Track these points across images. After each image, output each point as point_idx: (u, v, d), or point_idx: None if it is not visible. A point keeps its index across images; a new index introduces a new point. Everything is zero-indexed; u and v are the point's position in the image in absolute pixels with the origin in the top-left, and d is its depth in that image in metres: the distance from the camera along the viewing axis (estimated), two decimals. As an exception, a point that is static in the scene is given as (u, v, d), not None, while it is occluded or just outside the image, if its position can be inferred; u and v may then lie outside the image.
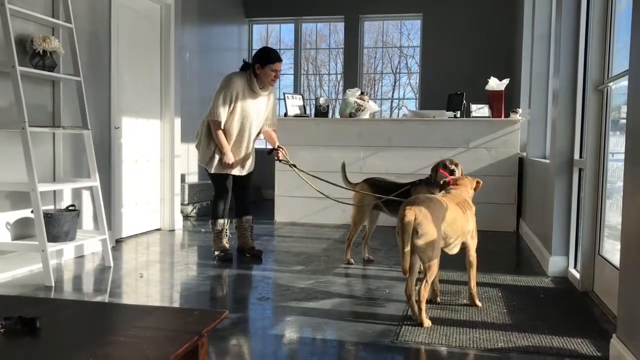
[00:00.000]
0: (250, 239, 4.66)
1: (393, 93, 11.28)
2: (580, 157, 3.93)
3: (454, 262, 4.47)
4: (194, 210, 6.78)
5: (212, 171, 4.43)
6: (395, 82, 11.20)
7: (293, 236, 5.45)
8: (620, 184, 3.56)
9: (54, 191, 4.29)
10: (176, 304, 3.38)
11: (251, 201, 4.77)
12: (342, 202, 4.68)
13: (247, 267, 4.29)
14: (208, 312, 1.54)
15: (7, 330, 1.31)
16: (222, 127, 4.32)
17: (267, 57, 4.28)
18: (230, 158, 4.34)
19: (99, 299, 3.44)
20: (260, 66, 4.28)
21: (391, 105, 10.89)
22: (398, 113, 10.33)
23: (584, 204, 3.70)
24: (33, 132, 3.77)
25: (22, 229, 3.99)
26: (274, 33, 10.13)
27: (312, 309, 3.23)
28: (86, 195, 4.59)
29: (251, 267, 4.29)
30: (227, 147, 4.35)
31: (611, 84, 3.44)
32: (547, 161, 4.62)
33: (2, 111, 3.75)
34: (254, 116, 4.40)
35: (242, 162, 4.50)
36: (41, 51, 3.87)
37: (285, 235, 5.54)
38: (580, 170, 3.91)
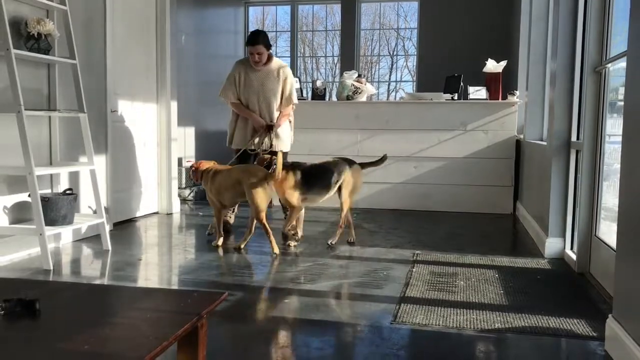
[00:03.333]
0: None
1: (390, 75, 11.25)
2: (578, 139, 3.93)
3: (451, 244, 4.50)
4: (191, 193, 6.78)
5: (232, 146, 4.94)
6: (392, 65, 11.16)
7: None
8: (617, 166, 3.56)
9: (51, 175, 4.27)
10: (175, 287, 3.39)
11: None
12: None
13: (245, 249, 4.30)
14: (207, 293, 1.55)
15: (7, 312, 1.31)
16: (239, 103, 4.90)
17: (247, 41, 4.89)
18: (258, 120, 4.84)
19: (97, 282, 3.45)
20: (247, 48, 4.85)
21: (388, 87, 10.86)
22: (395, 95, 10.30)
23: (581, 185, 3.71)
24: (29, 116, 3.75)
25: (19, 213, 3.99)
26: (270, 15, 10.07)
27: (310, 291, 3.24)
28: (83, 179, 4.58)
29: (249, 250, 4.30)
30: (250, 112, 4.85)
31: (609, 65, 3.43)
32: (544, 143, 4.63)
33: (-2, 94, 3.73)
34: (260, 90, 4.83)
35: (260, 137, 4.83)
36: (36, 34, 3.83)
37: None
38: (577, 152, 3.91)
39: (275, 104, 4.88)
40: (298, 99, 5.15)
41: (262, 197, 4.09)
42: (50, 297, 1.45)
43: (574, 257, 3.81)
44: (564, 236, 4.08)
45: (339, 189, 4.40)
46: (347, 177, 4.37)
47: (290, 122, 5.07)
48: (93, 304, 1.48)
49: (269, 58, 4.86)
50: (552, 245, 4.11)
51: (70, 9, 4.21)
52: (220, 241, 4.36)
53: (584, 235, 3.67)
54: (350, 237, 4.53)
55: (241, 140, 4.89)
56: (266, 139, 4.84)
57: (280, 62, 4.98)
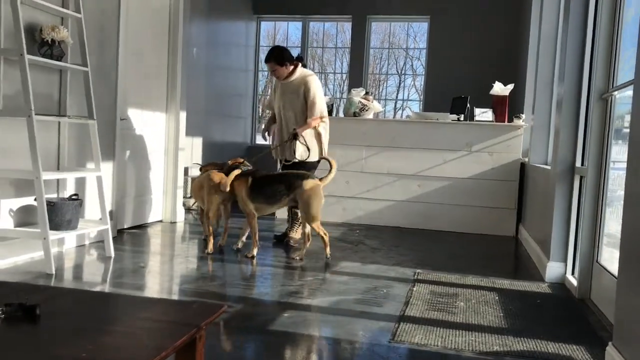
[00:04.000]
0: (289, 228, 5.08)
1: (397, 94, 11.30)
2: (582, 164, 3.94)
3: (452, 264, 4.49)
4: (196, 203, 6.80)
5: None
6: (400, 83, 11.21)
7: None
8: (621, 192, 3.57)
9: (58, 180, 4.31)
10: (175, 296, 3.41)
11: None
12: None
13: (246, 261, 4.32)
14: (207, 305, 1.57)
15: (7, 316, 1.33)
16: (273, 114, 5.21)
17: None
18: (264, 130, 5.31)
19: (98, 288, 3.47)
20: None
21: (395, 106, 10.90)
22: (402, 114, 10.34)
23: (584, 211, 3.72)
24: (39, 120, 3.79)
25: (24, 216, 4.02)
26: (281, 30, 10.16)
27: (309, 306, 3.25)
28: (89, 185, 4.61)
29: (250, 262, 4.31)
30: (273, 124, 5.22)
31: (616, 93, 3.45)
32: (549, 167, 4.64)
33: (9, 98, 3.77)
34: (281, 102, 4.98)
35: (280, 148, 5.02)
36: (50, 40, 3.89)
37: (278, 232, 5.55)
38: (581, 177, 3.92)
39: (298, 116, 4.92)
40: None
41: (209, 200, 4.52)
42: (51, 302, 1.47)
43: (575, 282, 3.81)
44: (565, 261, 4.07)
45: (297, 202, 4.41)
46: (299, 192, 4.34)
47: (319, 134, 4.95)
48: (93, 311, 1.49)
49: (293, 71, 4.91)
50: (553, 269, 4.10)
51: (85, 17, 4.27)
52: (210, 248, 4.55)
53: (586, 261, 3.67)
54: (299, 255, 4.44)
55: (278, 149, 5.10)
56: (286, 149, 4.95)
57: (305, 74, 4.94)
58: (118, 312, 1.51)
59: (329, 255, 4.48)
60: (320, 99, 4.91)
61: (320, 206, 4.38)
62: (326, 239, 4.46)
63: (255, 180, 4.42)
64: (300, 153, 4.89)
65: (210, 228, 4.58)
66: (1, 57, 3.64)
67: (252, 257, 4.41)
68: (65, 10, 4.10)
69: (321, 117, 4.94)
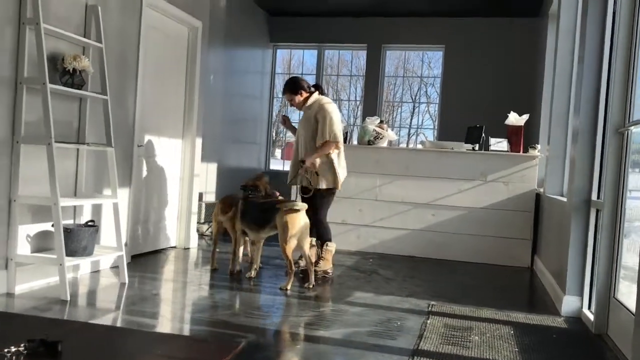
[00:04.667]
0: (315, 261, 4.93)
1: (411, 120, 11.33)
2: (598, 197, 3.92)
3: (467, 296, 4.46)
4: (209, 229, 6.83)
5: None
6: (414, 110, 11.25)
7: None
8: (639, 224, 3.55)
9: (75, 206, 4.36)
10: (187, 325, 3.41)
11: (316, 223, 4.91)
12: None
13: (258, 290, 4.31)
14: (223, 343, 1.57)
15: (30, 352, 1.35)
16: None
17: None
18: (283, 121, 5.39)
19: (112, 315, 3.48)
20: None
21: (409, 132, 10.93)
22: (416, 139, 10.36)
23: (600, 245, 3.69)
24: (58, 148, 3.86)
25: (41, 242, 4.06)
26: (296, 56, 10.27)
27: (322, 338, 3.23)
28: (105, 211, 4.65)
29: (262, 291, 4.31)
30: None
31: (632, 127, 3.44)
32: (564, 199, 4.61)
33: (30, 125, 3.84)
34: (300, 130, 5.02)
35: (290, 173, 5.05)
36: (71, 69, 3.97)
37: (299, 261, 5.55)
38: (597, 211, 3.89)
39: (308, 142, 4.92)
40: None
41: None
42: (71, 337, 1.48)
43: (591, 317, 3.76)
44: (581, 295, 4.03)
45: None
46: (277, 219, 4.33)
47: (331, 161, 4.87)
48: (112, 347, 1.51)
49: (308, 98, 4.93)
50: (569, 303, 4.05)
51: (106, 46, 4.36)
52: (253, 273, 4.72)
53: (602, 295, 3.63)
54: (285, 285, 4.35)
55: (290, 175, 5.12)
56: (299, 177, 4.91)
57: (321, 100, 4.92)
58: (136, 348, 1.52)
59: (286, 288, 4.31)
60: (331, 123, 4.80)
61: (295, 235, 4.30)
62: (292, 271, 4.34)
63: (245, 205, 4.60)
64: (307, 181, 4.90)
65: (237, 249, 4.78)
66: (24, 85, 3.72)
67: (249, 277, 4.64)
68: (87, 40, 4.19)
69: (335, 143, 4.84)
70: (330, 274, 4.89)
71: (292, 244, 4.31)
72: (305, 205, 4.43)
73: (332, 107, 4.89)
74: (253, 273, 4.70)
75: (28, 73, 3.76)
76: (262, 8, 8.90)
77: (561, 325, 3.82)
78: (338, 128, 4.86)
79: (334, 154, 4.90)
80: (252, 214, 4.54)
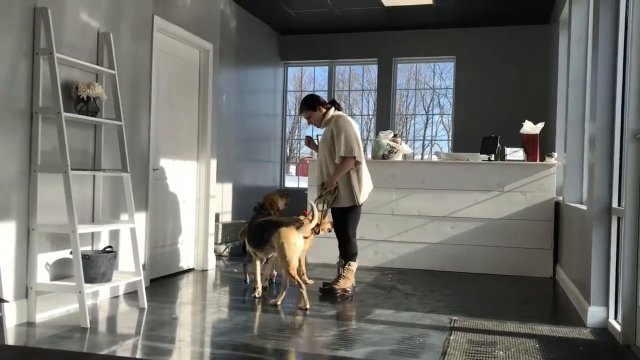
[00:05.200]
0: (336, 279, 4.90)
1: (425, 131, 11.29)
2: (619, 205, 3.85)
3: (489, 310, 4.38)
4: (227, 249, 6.83)
5: None
6: (427, 121, 11.21)
7: (324, 278, 5.41)
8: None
9: (92, 232, 4.38)
10: (207, 349, 3.39)
11: (342, 240, 4.90)
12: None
13: (278, 310, 4.29)
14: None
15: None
16: None
17: None
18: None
19: (132, 341, 3.47)
20: None
21: (423, 144, 10.88)
22: (430, 151, 10.31)
23: (624, 253, 3.61)
24: (74, 175, 3.88)
25: (60, 270, 4.08)
26: (307, 73, 10.30)
27: (344, 358, 3.19)
28: (123, 236, 4.67)
29: (282, 311, 4.28)
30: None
31: (650, 133, 3.39)
32: (584, 207, 4.54)
33: (46, 154, 3.88)
34: (320, 148, 4.95)
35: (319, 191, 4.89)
36: (85, 97, 4.00)
37: (317, 277, 5.52)
38: (619, 218, 3.82)
39: (327, 160, 4.82)
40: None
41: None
42: (90, 372, 1.47)
43: (618, 327, 3.67)
44: (607, 305, 3.94)
45: None
46: (274, 238, 4.33)
47: (350, 177, 4.75)
48: (131, 380, 1.49)
49: (325, 114, 4.88)
50: (594, 314, 3.97)
51: (118, 72, 4.40)
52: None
53: (629, 305, 3.55)
54: (304, 304, 4.30)
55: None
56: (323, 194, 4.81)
57: (335, 116, 4.84)
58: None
59: (306, 306, 4.28)
60: (346, 137, 4.67)
61: (294, 253, 4.28)
62: (303, 289, 4.29)
63: (250, 226, 4.71)
64: (343, 200, 4.79)
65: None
66: (39, 115, 3.76)
67: (253, 297, 4.63)
68: (99, 68, 4.23)
69: (352, 157, 4.68)
70: (350, 292, 4.83)
71: (293, 263, 4.29)
72: (304, 223, 4.38)
73: (346, 121, 4.77)
74: (256, 293, 4.64)
75: (43, 103, 3.80)
76: (272, 27, 8.96)
77: (587, 336, 3.74)
78: (354, 142, 4.70)
79: (354, 172, 4.77)
80: (252, 234, 4.60)
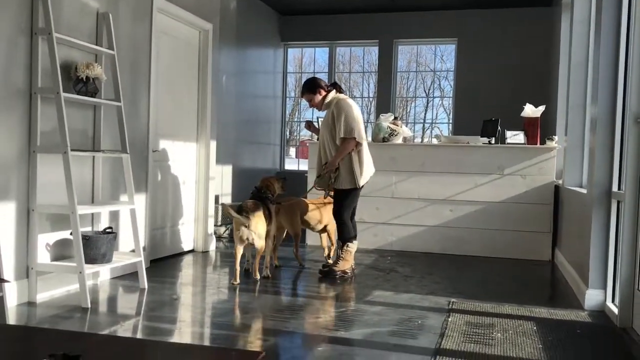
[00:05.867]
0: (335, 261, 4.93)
1: (425, 114, 11.26)
2: (619, 189, 3.86)
3: (488, 292, 4.41)
4: (227, 231, 6.84)
5: None
6: (427, 104, 11.17)
7: (323, 260, 5.44)
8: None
9: (92, 213, 4.38)
10: (207, 329, 3.41)
11: (338, 222, 4.91)
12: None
13: (278, 292, 4.31)
14: (245, 352, 1.56)
15: (52, 367, 1.35)
16: None
17: None
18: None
19: (133, 321, 3.50)
20: None
21: (423, 127, 10.86)
22: (431, 134, 10.30)
23: (623, 237, 3.63)
24: (74, 156, 3.88)
25: (60, 250, 4.09)
26: (308, 54, 10.25)
27: (343, 339, 3.22)
28: (123, 217, 4.67)
29: (282, 292, 4.30)
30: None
31: (652, 116, 3.38)
32: (584, 191, 4.55)
33: (46, 135, 3.87)
34: (321, 130, 4.95)
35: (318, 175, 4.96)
36: (84, 77, 3.98)
37: (316, 260, 5.55)
38: (618, 202, 3.83)
39: (328, 143, 4.80)
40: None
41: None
42: (93, 351, 1.48)
43: (615, 310, 3.70)
44: (605, 288, 3.96)
45: None
46: (251, 219, 4.48)
47: (351, 159, 4.71)
48: (133, 360, 1.50)
49: (325, 97, 4.84)
50: (592, 297, 3.99)
51: (118, 53, 4.38)
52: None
53: (626, 288, 3.57)
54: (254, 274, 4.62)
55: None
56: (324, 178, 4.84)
57: (336, 98, 4.81)
58: (157, 360, 1.51)
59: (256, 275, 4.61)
60: (346, 118, 4.64)
61: (267, 231, 4.62)
62: (261, 259, 4.63)
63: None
64: (342, 181, 4.77)
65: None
66: (38, 95, 3.74)
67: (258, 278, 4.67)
68: (99, 48, 4.21)
69: (352, 139, 4.65)
70: (349, 273, 4.84)
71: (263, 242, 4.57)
72: (260, 213, 4.54)
73: (347, 103, 4.73)
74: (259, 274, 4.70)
75: (42, 83, 3.78)
76: (272, 7, 8.89)
77: (585, 319, 3.76)
78: (354, 123, 4.66)
79: (355, 153, 4.74)
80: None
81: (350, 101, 4.81)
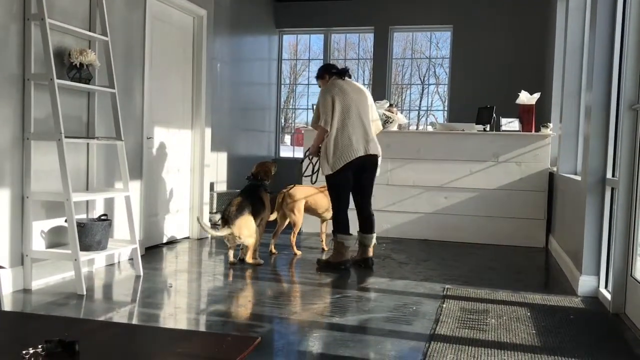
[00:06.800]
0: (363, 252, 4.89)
1: (421, 102, 11.24)
2: (613, 176, 3.87)
3: (482, 278, 4.44)
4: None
5: None
6: (422, 91, 11.15)
7: (318, 248, 5.46)
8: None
9: (87, 200, 4.37)
10: (203, 316, 3.42)
11: (332, 213, 4.93)
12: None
13: (273, 279, 4.32)
14: (241, 338, 1.57)
15: (48, 352, 1.35)
16: None
17: None
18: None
19: (128, 308, 3.50)
20: None
21: (419, 114, 10.85)
22: (426, 121, 10.29)
23: (616, 223, 3.65)
24: (68, 143, 3.86)
25: (55, 237, 4.08)
26: (303, 41, 10.19)
27: (338, 325, 3.23)
28: (118, 204, 4.67)
29: (278, 279, 4.31)
30: None
31: (646, 103, 3.38)
32: (579, 178, 4.56)
33: (40, 122, 3.85)
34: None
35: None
36: (78, 64, 3.96)
37: (312, 247, 5.56)
38: (612, 189, 3.85)
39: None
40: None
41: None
42: (89, 336, 1.49)
43: (608, 296, 3.73)
44: (598, 274, 3.99)
45: None
46: (235, 225, 4.63)
47: (326, 146, 4.60)
48: (129, 346, 1.51)
49: (327, 82, 4.80)
50: (586, 283, 4.02)
51: (111, 39, 4.34)
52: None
53: (619, 274, 3.60)
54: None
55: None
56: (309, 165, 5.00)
57: (329, 84, 4.73)
58: (155, 346, 1.52)
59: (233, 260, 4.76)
60: (317, 107, 4.66)
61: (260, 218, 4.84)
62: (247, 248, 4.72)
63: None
64: (308, 171, 4.97)
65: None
66: (32, 82, 3.71)
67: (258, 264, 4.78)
68: (92, 34, 4.17)
69: (316, 127, 4.65)
70: (348, 265, 4.67)
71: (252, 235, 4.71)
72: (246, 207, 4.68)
73: (327, 90, 4.62)
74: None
75: (35, 69, 3.75)
76: (267, -6, 8.83)
77: (578, 305, 3.79)
78: (323, 111, 4.56)
79: (327, 139, 4.59)
80: None
81: (337, 86, 4.62)
